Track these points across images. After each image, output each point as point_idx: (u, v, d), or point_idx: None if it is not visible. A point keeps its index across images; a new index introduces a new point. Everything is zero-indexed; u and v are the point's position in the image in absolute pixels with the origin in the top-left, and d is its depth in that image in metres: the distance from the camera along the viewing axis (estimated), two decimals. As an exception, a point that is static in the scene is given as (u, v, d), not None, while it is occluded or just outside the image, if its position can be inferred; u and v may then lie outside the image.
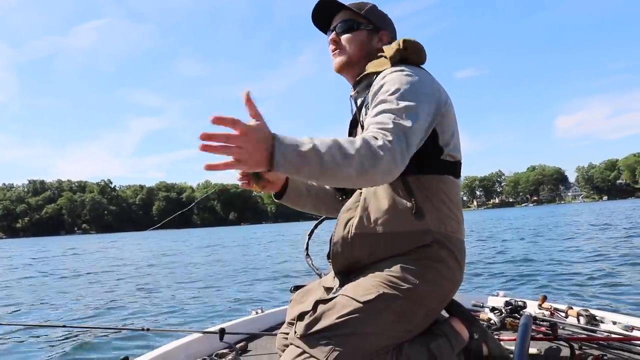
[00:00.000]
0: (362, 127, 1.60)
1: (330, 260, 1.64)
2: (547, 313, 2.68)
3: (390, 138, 1.27)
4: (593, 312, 2.51)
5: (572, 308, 2.62)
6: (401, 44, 1.56)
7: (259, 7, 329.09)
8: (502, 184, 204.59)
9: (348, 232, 1.55)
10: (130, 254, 24.78)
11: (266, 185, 1.76)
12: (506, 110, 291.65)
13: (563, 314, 2.62)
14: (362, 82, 1.67)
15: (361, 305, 1.40)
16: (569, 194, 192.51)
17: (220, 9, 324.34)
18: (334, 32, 1.74)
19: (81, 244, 43.51)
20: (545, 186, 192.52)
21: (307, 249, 1.97)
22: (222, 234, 57.49)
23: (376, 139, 1.26)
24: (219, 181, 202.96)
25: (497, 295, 3.10)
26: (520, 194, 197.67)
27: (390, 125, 1.31)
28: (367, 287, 1.44)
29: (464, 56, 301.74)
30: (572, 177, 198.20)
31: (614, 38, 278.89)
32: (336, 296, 1.46)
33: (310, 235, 1.97)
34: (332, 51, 1.74)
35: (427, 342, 1.49)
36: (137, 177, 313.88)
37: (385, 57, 1.60)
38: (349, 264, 1.58)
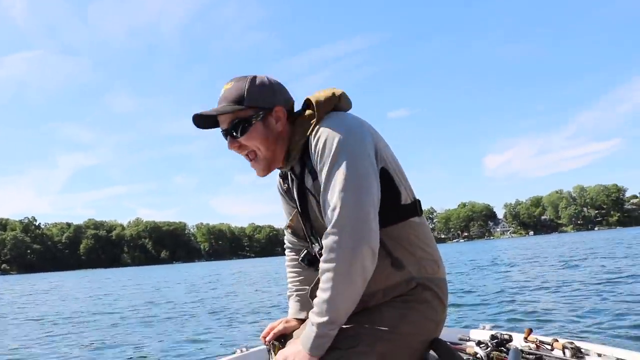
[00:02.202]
0: (312, 194, 1.58)
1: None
2: (533, 346, 2.67)
3: (348, 231, 1.36)
4: (578, 344, 2.51)
5: (557, 340, 2.61)
6: (317, 104, 1.54)
7: (195, 44, 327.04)
8: (434, 221, 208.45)
9: None
10: (88, 294, 23.50)
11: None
12: (437, 149, 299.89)
13: (549, 347, 2.61)
14: (291, 155, 1.62)
15: (345, 351, 1.40)
16: (498, 229, 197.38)
17: (155, 44, 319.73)
18: (231, 137, 1.59)
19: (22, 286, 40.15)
20: (476, 222, 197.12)
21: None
22: (162, 273, 54.46)
23: (334, 248, 1.36)
24: (150, 219, 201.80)
25: (483, 329, 3.06)
26: (452, 230, 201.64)
27: (340, 215, 1.37)
28: (349, 332, 1.45)
29: (397, 96, 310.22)
30: (500, 214, 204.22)
31: (537, 81, 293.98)
32: None
33: None
34: (250, 160, 1.63)
35: None
36: (65, 215, 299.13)
37: (306, 118, 1.57)
38: None
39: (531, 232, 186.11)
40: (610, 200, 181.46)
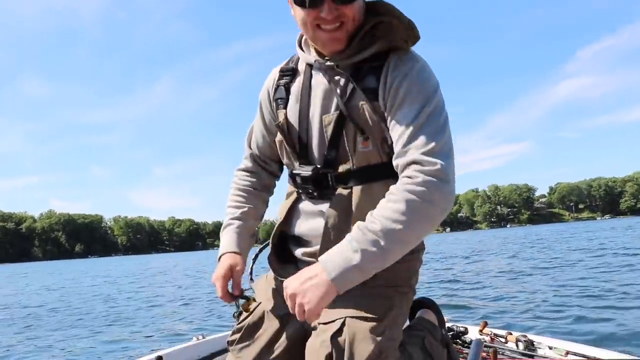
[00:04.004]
0: (352, 118, 1.32)
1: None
2: (487, 338, 2.70)
3: (434, 163, 1.18)
4: (531, 337, 2.58)
5: (511, 333, 2.66)
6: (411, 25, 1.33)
7: (116, 30, 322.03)
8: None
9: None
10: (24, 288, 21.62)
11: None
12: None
13: (503, 340, 2.66)
14: (353, 57, 1.34)
15: (381, 323, 1.28)
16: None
17: (72, 28, 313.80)
18: (334, 2, 1.27)
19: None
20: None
21: (251, 273, 1.69)
22: (84, 267, 50.94)
23: (420, 177, 1.17)
24: (64, 211, 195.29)
25: None
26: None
27: (436, 148, 1.20)
28: (373, 299, 1.31)
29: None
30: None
31: (456, 83, 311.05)
32: (333, 321, 1.29)
33: (254, 259, 1.71)
34: (331, 29, 1.30)
35: (420, 339, 1.50)
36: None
37: (395, 34, 1.31)
38: None
39: (448, 229, 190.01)
40: (522, 199, 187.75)
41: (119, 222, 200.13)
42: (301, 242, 1.47)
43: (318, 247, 1.37)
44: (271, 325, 1.46)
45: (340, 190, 1.35)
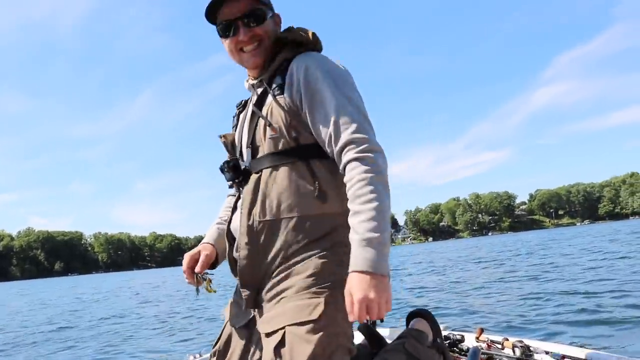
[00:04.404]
0: (263, 116, 1.48)
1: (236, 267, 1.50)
2: (484, 345, 2.71)
3: (366, 139, 1.34)
4: (527, 342, 2.59)
5: (507, 339, 2.67)
6: (312, 35, 1.54)
7: (96, 43, 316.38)
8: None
9: (253, 221, 1.45)
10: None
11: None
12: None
13: (499, 346, 2.68)
14: (268, 69, 1.54)
15: (318, 323, 1.32)
16: (399, 236, 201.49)
17: (51, 41, 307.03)
18: (246, 26, 1.50)
19: None
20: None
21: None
22: (67, 285, 50.24)
23: (362, 152, 1.32)
24: (43, 228, 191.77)
25: None
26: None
27: (361, 126, 1.36)
28: (307, 301, 1.35)
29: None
30: (401, 220, 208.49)
31: (438, 92, 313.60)
32: (276, 331, 1.36)
33: None
34: (251, 49, 1.53)
35: (400, 344, 1.57)
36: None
37: (299, 42, 1.53)
38: (256, 261, 1.46)
39: (430, 238, 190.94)
40: (502, 206, 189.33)
41: (100, 239, 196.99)
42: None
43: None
44: (239, 340, 1.59)
45: (253, 175, 1.49)
